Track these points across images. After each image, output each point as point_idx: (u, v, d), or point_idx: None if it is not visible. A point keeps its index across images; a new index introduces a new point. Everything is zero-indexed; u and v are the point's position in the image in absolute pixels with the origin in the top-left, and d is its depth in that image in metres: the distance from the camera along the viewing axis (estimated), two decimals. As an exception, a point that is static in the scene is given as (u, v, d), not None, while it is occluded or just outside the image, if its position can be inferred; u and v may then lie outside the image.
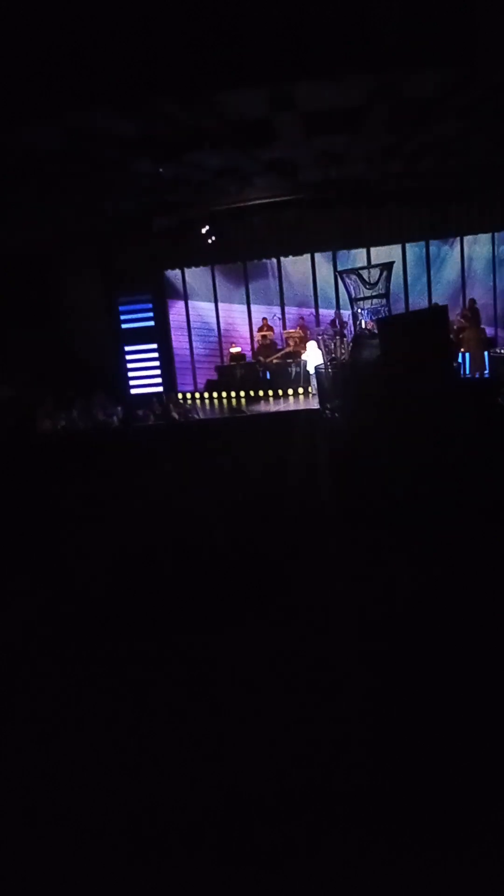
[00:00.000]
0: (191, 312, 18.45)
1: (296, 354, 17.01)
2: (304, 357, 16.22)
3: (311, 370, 15.48)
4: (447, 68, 7.53)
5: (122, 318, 17.39)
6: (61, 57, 6.60)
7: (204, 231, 16.21)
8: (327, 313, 17.88)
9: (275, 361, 17.28)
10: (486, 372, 14.98)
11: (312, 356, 15.60)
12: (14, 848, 2.73)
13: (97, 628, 4.48)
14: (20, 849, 2.73)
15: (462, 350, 15.63)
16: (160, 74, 7.01)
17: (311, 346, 16.00)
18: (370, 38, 6.73)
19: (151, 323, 17.50)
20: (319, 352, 15.40)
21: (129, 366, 17.65)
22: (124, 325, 17.43)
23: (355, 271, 15.35)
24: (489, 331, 16.70)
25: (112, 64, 6.74)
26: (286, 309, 18.33)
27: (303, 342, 17.04)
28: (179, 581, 5.19)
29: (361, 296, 14.11)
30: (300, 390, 16.67)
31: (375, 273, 14.10)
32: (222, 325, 18.57)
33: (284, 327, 18.17)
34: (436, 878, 2.53)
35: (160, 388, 17.40)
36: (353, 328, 15.70)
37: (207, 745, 3.26)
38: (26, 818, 2.88)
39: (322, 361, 14.46)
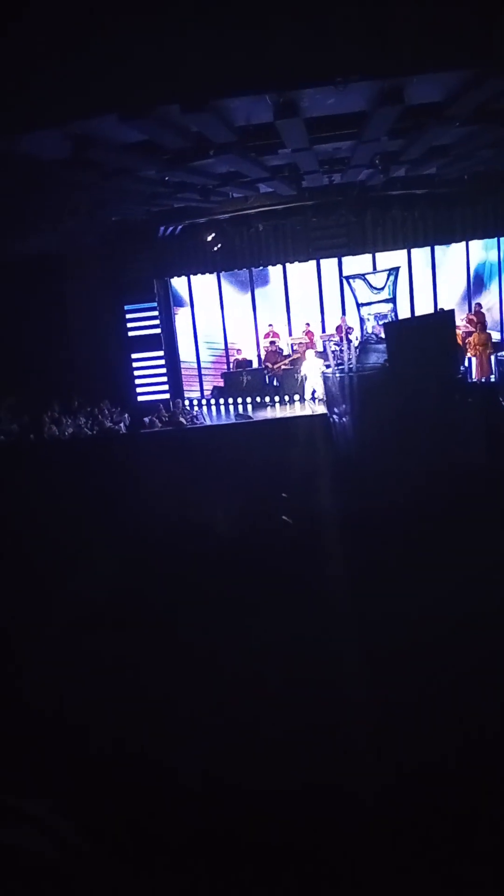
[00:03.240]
0: (196, 319, 18.49)
1: (302, 361, 17.07)
2: (303, 369, 16.30)
3: (309, 381, 15.64)
4: (457, 71, 7.54)
5: (129, 325, 17.44)
6: (67, 65, 6.64)
7: (209, 238, 16.27)
8: (333, 319, 17.89)
9: (283, 368, 17.31)
10: (494, 376, 14.97)
11: (312, 366, 15.71)
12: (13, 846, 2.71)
13: (100, 625, 4.49)
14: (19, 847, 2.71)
15: (469, 354, 15.62)
16: (166, 82, 7.05)
17: (310, 355, 16.09)
18: (383, 43, 6.74)
19: (158, 330, 17.54)
20: (319, 361, 15.51)
21: (136, 373, 17.69)
22: (131, 333, 17.47)
23: (361, 276, 15.41)
24: (496, 336, 16.68)
25: (117, 72, 6.78)
26: (292, 315, 18.37)
27: (308, 348, 17.07)
28: (183, 580, 5.20)
29: (368, 301, 14.15)
30: (296, 397, 16.71)
31: (382, 277, 14.14)
32: (228, 332, 18.61)
33: (290, 334, 18.20)
34: (438, 882, 2.52)
35: (167, 395, 17.42)
36: (360, 333, 15.76)
37: (207, 745, 3.26)
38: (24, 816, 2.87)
39: (321, 371, 14.55)
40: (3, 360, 14.82)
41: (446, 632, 4.12)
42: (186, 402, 17.56)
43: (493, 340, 16.14)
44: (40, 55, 6.62)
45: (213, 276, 18.01)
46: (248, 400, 17.25)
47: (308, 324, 18.00)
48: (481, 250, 17.63)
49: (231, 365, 18.35)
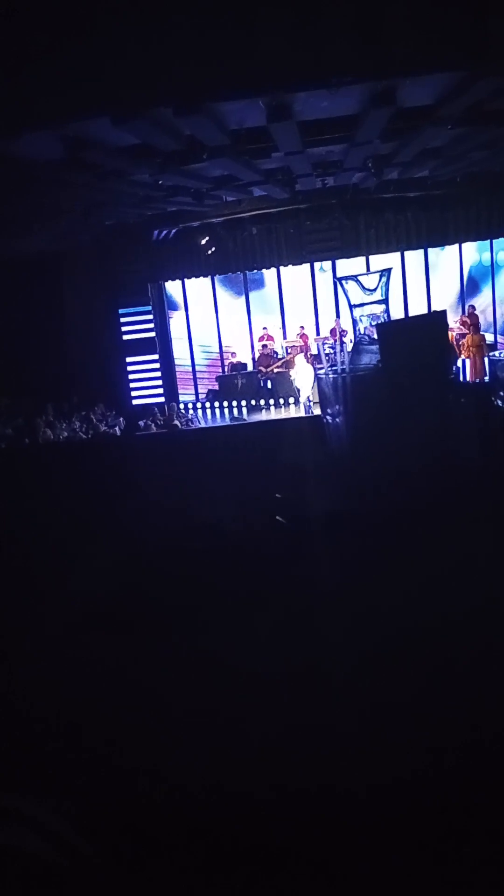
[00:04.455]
0: (191, 322, 18.50)
1: (292, 366, 17.07)
2: (292, 373, 16.35)
3: (300, 385, 15.70)
4: (449, 72, 7.57)
5: (123, 329, 17.43)
6: (58, 67, 6.65)
7: (203, 242, 16.29)
8: (328, 322, 17.92)
9: (275, 371, 17.32)
10: (487, 377, 15.00)
11: (301, 371, 15.77)
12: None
13: (98, 628, 4.49)
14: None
15: (462, 356, 15.66)
16: (159, 85, 7.06)
17: (299, 360, 16.15)
18: (376, 45, 6.76)
19: (152, 334, 17.55)
20: (309, 366, 15.58)
21: (131, 376, 17.68)
22: (125, 336, 17.46)
23: (354, 277, 15.43)
24: (489, 337, 16.73)
25: (110, 74, 6.79)
26: (286, 318, 18.39)
27: (299, 353, 17.10)
28: (178, 581, 5.20)
29: (360, 302, 14.16)
30: (290, 399, 16.72)
31: (374, 278, 14.14)
32: (222, 335, 18.62)
33: (285, 337, 18.22)
34: (437, 881, 2.53)
35: (161, 399, 17.42)
36: (353, 334, 15.80)
37: (205, 745, 3.26)
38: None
39: (313, 374, 14.61)
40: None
41: (441, 631, 4.13)
42: (181, 406, 17.56)
43: (487, 342, 16.18)
44: (32, 58, 6.63)
45: (208, 280, 18.03)
46: (243, 403, 17.25)
47: (302, 326, 18.03)
48: (475, 252, 17.70)
49: (226, 368, 18.36)
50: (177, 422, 15.65)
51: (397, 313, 16.62)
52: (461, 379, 14.82)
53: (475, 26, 6.66)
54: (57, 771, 3.00)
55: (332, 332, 17.19)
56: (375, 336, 11.51)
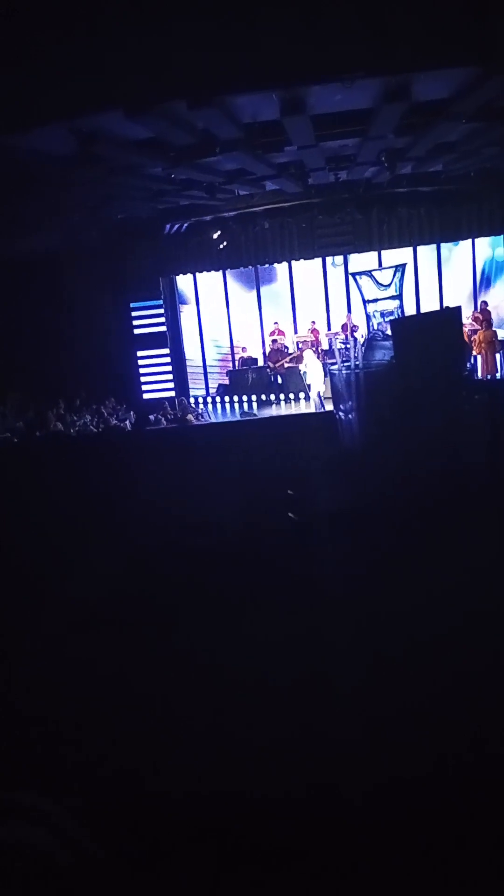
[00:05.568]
0: (202, 317, 18.47)
1: (302, 361, 17.06)
2: (303, 368, 16.33)
3: (311, 380, 15.68)
4: (462, 69, 7.53)
5: (134, 323, 17.42)
6: (72, 61, 6.65)
7: (215, 236, 16.26)
8: (339, 317, 17.87)
9: (286, 366, 17.30)
10: (499, 373, 14.91)
11: (312, 366, 15.74)
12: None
13: (102, 624, 4.50)
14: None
15: (474, 352, 15.58)
16: (172, 78, 7.05)
17: (308, 355, 16.12)
18: (388, 40, 6.73)
19: (163, 328, 17.53)
20: (318, 362, 15.56)
21: (141, 371, 17.67)
22: (136, 331, 17.45)
23: (368, 273, 15.37)
24: (502, 333, 16.62)
25: (124, 67, 6.79)
26: (297, 313, 18.34)
27: (312, 347, 17.08)
28: (188, 578, 5.20)
29: (374, 297, 14.10)
30: (301, 394, 16.68)
31: (388, 274, 14.08)
32: (233, 330, 18.59)
33: (296, 332, 18.18)
34: (437, 881, 2.52)
35: (172, 393, 17.42)
36: (366, 330, 15.75)
37: (207, 745, 3.26)
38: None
39: (323, 369, 14.57)
40: (8, 357, 14.84)
41: (452, 630, 4.11)
42: (192, 400, 17.55)
43: (499, 338, 16.08)
44: (46, 52, 6.63)
45: (219, 274, 17.99)
46: (254, 398, 17.23)
47: (313, 322, 17.99)
48: (487, 248, 17.58)
49: (236, 363, 18.34)
50: (190, 416, 15.64)
51: (410, 309, 16.56)
52: (475, 375, 14.73)
53: (487, 22, 6.61)
54: (57, 771, 3.01)
55: (343, 327, 17.15)
56: (389, 332, 11.45)
